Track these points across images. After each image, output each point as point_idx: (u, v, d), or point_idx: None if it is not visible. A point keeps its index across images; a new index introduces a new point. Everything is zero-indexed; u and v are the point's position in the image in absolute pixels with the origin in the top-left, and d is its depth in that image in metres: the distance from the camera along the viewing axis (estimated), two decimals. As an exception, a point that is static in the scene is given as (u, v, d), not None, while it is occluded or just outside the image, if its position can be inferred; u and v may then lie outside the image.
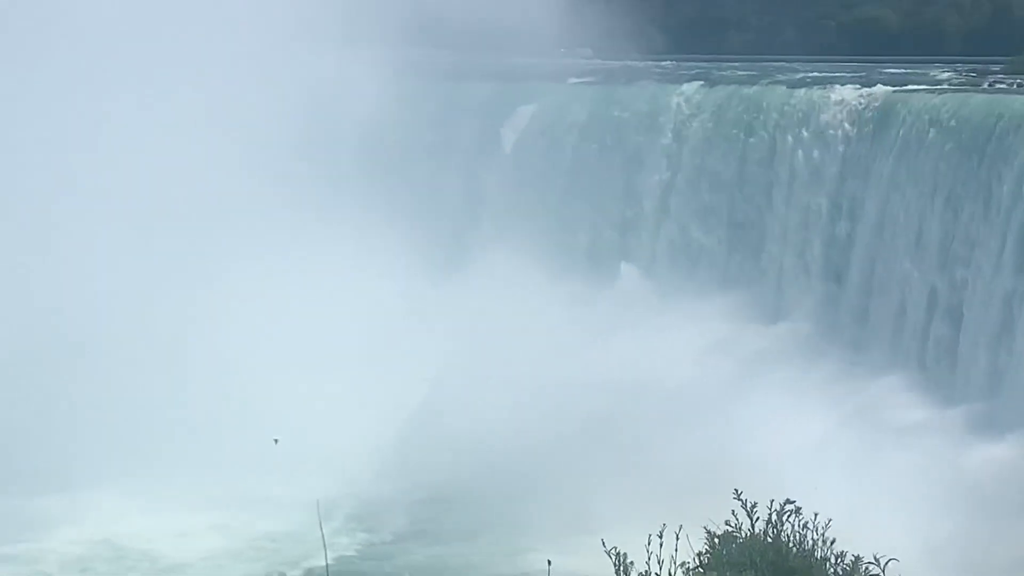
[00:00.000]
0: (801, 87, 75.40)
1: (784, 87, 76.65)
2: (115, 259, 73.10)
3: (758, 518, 20.31)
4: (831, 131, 70.91)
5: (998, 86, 72.33)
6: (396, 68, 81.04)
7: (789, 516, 20.49)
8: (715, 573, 20.05)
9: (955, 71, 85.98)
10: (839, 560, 20.00)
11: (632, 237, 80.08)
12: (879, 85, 72.30)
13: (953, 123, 63.78)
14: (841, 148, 70.58)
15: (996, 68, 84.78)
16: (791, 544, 20.22)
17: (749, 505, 20.42)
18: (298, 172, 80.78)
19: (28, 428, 64.02)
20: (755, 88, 77.82)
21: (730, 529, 20.35)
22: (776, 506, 20.25)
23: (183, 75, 77.43)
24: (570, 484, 56.48)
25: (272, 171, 79.38)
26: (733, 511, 20.49)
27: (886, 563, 19.63)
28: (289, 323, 71.67)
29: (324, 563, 53.84)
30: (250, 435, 55.76)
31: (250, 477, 60.33)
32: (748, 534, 20.36)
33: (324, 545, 53.10)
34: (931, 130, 64.95)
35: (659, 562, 19.50)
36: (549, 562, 21.94)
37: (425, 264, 77.51)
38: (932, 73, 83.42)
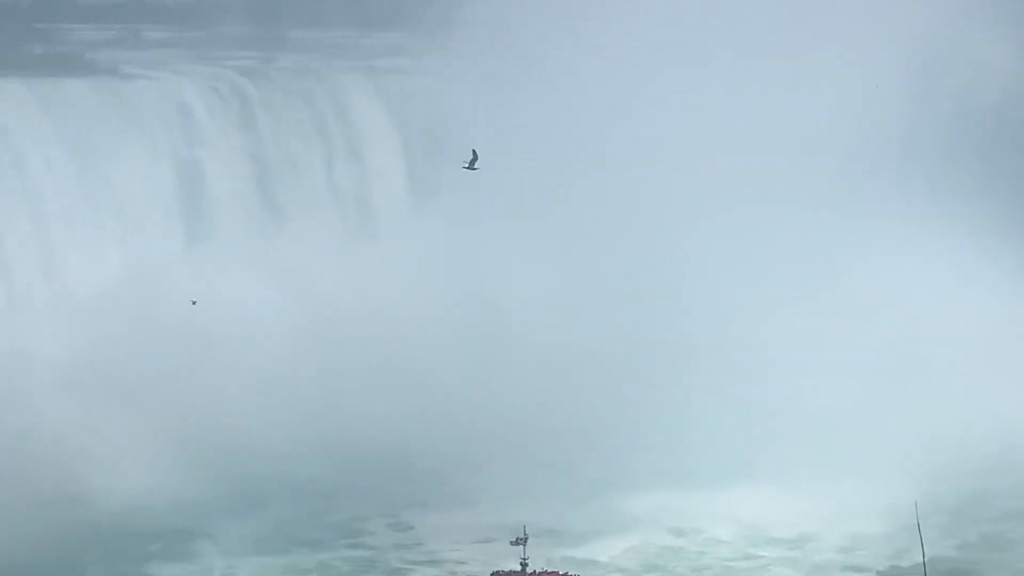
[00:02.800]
0: None
1: None
2: (712, 265, 78.55)
3: None
4: None
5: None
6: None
7: None
8: None
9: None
10: None
11: None
12: None
13: None
14: None
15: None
16: None
17: None
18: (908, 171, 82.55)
19: (641, 429, 71.33)
20: None
21: None
22: None
23: (783, 71, 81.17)
24: None
25: (879, 169, 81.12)
26: None
27: None
28: (895, 326, 75.72)
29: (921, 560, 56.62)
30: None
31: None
32: None
33: (921, 543, 54.66)
34: None
35: None
36: None
37: None
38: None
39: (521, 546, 53.93)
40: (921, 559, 55.92)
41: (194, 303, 73.43)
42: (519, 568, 54.54)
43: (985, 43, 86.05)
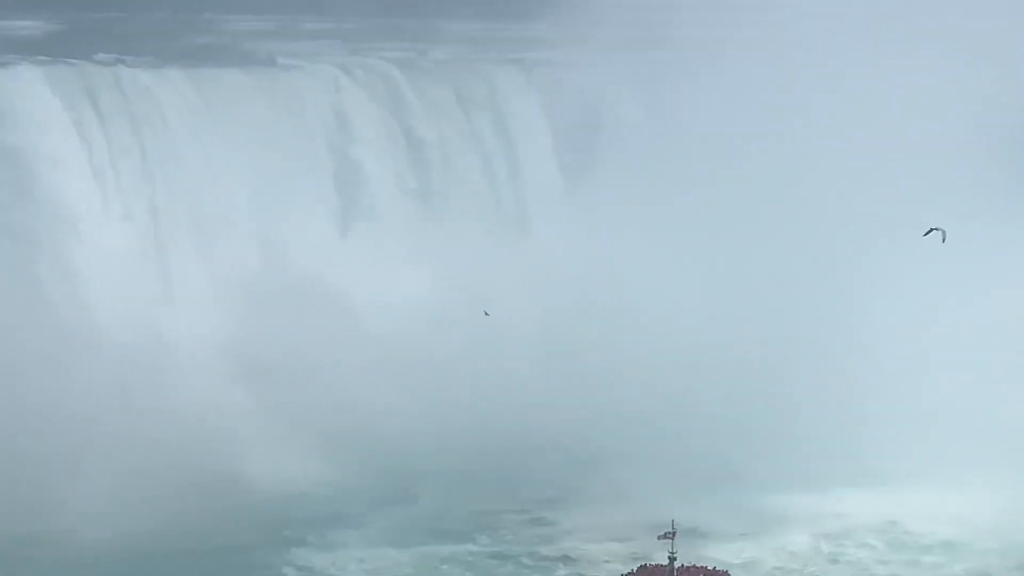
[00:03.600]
0: None
1: None
2: (881, 261, 78.34)
3: None
4: None
5: None
6: None
7: None
8: None
9: None
10: None
11: None
12: None
13: None
14: None
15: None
16: None
17: None
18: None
19: (798, 427, 70.93)
20: None
21: None
22: None
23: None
24: None
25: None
26: None
27: None
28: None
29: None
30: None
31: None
32: None
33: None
34: None
35: None
36: None
37: None
38: None
39: (669, 540, 54.18)
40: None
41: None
42: (666, 562, 55.10)
43: None
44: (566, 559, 63.96)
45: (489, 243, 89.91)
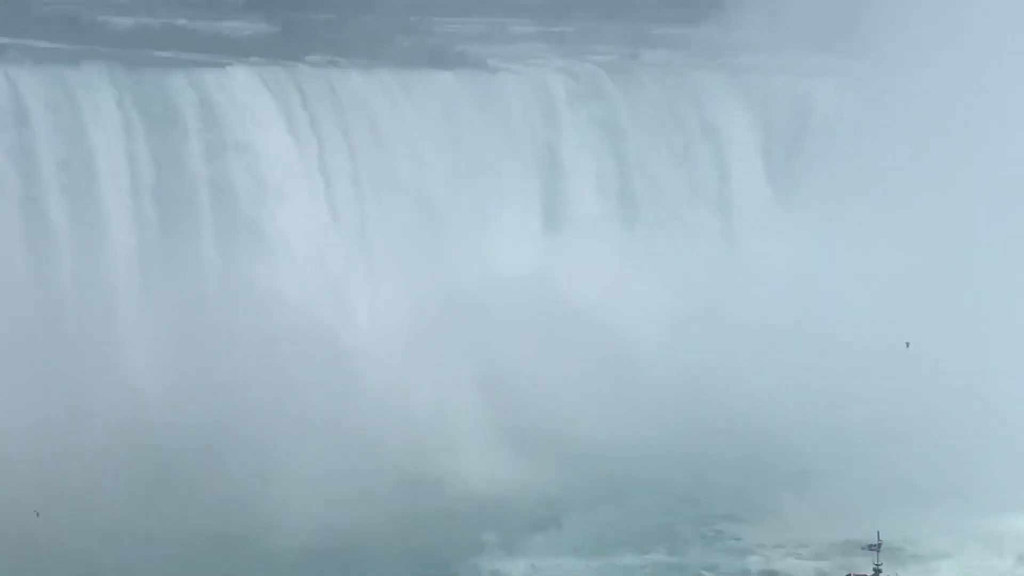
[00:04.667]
0: None
1: None
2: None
3: None
4: None
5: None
6: None
7: None
8: None
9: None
10: None
11: None
12: None
13: None
14: None
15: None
16: None
17: None
18: None
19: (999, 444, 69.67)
20: None
21: None
22: None
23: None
24: None
25: None
26: None
27: None
28: None
29: None
30: None
31: None
32: None
33: None
34: None
35: None
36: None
37: None
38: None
39: (874, 552, 53.42)
40: None
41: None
42: (871, 573, 54.05)
43: None
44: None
45: (693, 249, 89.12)
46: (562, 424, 75.19)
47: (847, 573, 55.75)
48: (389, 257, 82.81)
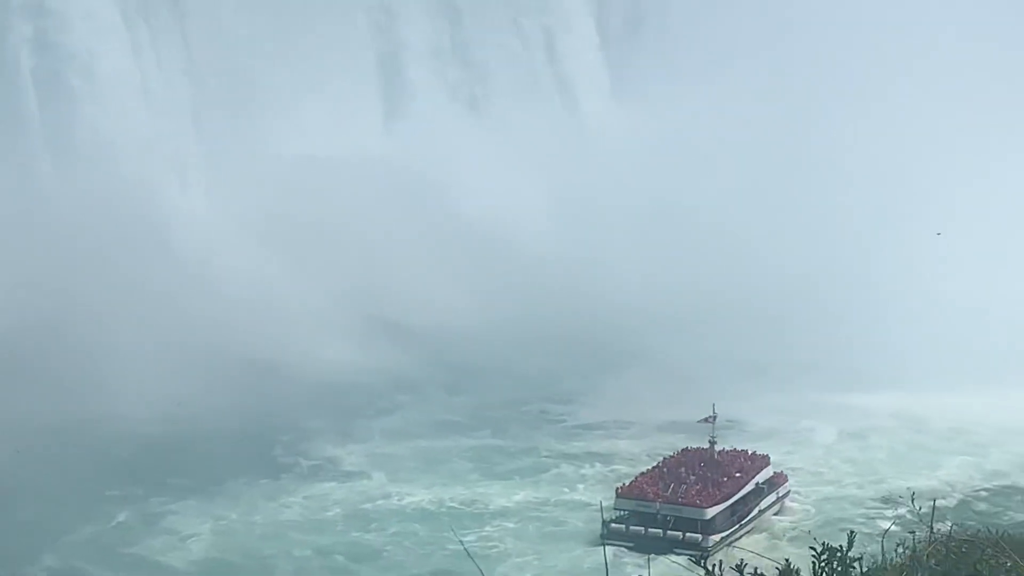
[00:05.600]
0: None
1: None
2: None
3: None
4: None
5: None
6: None
7: None
8: None
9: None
10: None
11: None
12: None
13: None
14: None
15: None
16: None
17: None
18: None
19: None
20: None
21: None
22: None
23: None
24: None
25: None
26: None
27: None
28: None
29: None
30: None
31: None
32: None
33: None
34: None
35: None
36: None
37: None
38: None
39: (710, 425, 54.71)
40: None
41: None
42: (707, 446, 55.52)
43: None
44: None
45: (538, 135, 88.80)
46: (419, 309, 75.30)
47: (683, 448, 57.14)
48: (215, 134, 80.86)
